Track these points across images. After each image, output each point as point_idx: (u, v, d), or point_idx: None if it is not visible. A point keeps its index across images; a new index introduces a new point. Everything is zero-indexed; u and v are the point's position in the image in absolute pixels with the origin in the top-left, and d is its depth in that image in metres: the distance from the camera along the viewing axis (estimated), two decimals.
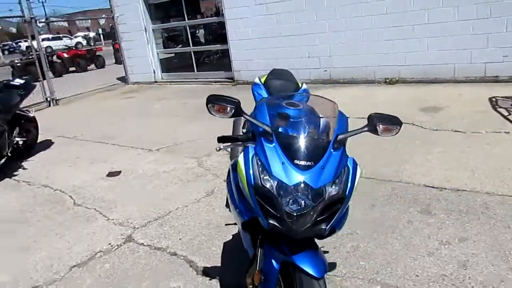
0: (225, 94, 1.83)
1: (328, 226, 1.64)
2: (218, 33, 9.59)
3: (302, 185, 1.59)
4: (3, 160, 5.01)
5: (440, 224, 2.82)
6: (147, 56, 10.04)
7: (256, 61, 8.46)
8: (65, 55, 16.30)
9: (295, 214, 1.57)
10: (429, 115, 5.04)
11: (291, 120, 1.86)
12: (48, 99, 8.93)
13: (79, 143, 5.96)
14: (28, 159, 5.37)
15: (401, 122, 1.82)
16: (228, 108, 1.75)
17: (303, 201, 1.58)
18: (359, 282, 2.36)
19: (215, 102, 1.76)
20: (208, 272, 2.64)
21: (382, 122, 1.78)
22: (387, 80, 7.07)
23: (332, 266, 2.53)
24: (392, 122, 1.79)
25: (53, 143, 6.08)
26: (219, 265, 2.71)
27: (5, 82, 5.34)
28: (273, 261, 1.74)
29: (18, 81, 5.34)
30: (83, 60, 16.36)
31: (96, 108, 8.54)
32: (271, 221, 1.61)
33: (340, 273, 2.46)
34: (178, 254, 2.87)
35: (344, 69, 7.49)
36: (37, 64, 8.66)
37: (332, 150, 1.72)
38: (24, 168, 5.05)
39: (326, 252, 2.65)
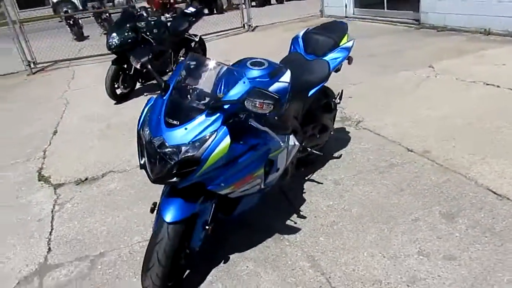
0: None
1: (183, 181, 1.80)
2: None
3: (162, 139, 1.79)
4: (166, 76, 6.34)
5: (446, 234, 2.34)
6: None
7: (447, 2, 7.24)
8: None
9: (149, 162, 1.81)
10: None
11: (197, 80, 1.97)
12: (245, 25, 10.09)
13: None
14: None
15: (276, 102, 1.68)
16: (135, 62, 2.03)
17: (157, 154, 1.78)
18: (298, 253, 2.35)
19: (134, 56, 2.07)
20: None
21: (254, 97, 1.70)
22: None
23: (295, 230, 2.54)
24: (265, 99, 1.69)
25: None
26: None
27: (182, 11, 6.47)
28: (163, 197, 2.03)
29: (190, 10, 6.39)
30: None
31: (275, 37, 9.15)
32: (141, 163, 1.89)
33: (292, 239, 2.47)
34: None
35: None
36: None
37: (205, 115, 1.79)
38: None
39: (304, 217, 2.65)
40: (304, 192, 2.93)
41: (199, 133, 1.77)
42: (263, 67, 2.18)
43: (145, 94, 2.20)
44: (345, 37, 2.90)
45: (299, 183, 3.04)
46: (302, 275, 2.19)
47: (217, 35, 10.02)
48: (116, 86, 5.46)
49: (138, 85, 5.89)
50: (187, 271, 2.29)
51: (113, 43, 5.25)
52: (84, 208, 3.10)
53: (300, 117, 2.71)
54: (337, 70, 3.05)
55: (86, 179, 3.56)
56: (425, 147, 3.32)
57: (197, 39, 6.45)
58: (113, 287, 2.27)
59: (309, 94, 2.67)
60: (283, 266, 2.28)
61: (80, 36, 12.33)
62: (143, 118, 1.94)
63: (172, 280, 2.08)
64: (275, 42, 7.84)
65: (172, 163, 1.75)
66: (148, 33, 5.49)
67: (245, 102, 1.72)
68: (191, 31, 6.52)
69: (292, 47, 2.97)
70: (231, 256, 2.39)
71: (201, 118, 1.80)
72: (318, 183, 3.02)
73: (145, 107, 1.99)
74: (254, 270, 2.27)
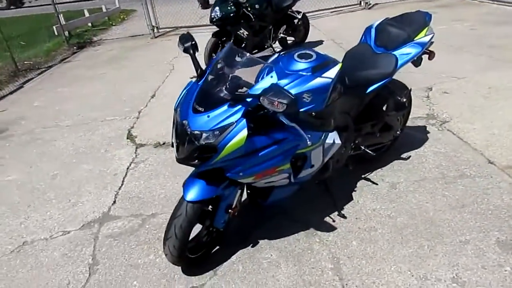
0: None
1: (202, 165, 1.90)
2: None
3: (186, 123, 1.89)
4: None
5: (494, 265, 2.07)
6: None
7: None
8: None
9: (176, 142, 1.94)
10: None
11: (233, 70, 2.01)
12: (362, 2, 9.56)
13: (333, 48, 6.55)
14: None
15: (290, 102, 1.63)
16: (181, 46, 2.13)
17: (184, 136, 1.90)
18: (325, 253, 2.31)
19: (180, 40, 2.16)
20: None
21: (270, 94, 1.67)
22: None
23: (330, 228, 2.49)
24: (279, 97, 1.64)
25: (320, 43, 6.93)
26: None
27: None
28: (189, 176, 2.16)
29: None
30: None
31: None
32: (173, 141, 2.03)
33: (324, 237, 2.43)
34: None
35: None
36: None
37: (227, 106, 1.84)
38: None
39: (344, 217, 2.57)
40: (354, 191, 2.82)
41: (219, 122, 1.83)
42: (309, 59, 2.11)
43: (189, 77, 2.32)
44: (424, 31, 2.61)
45: (353, 180, 2.92)
46: (320, 275, 2.17)
47: (331, 11, 9.73)
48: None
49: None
50: (217, 247, 2.43)
51: (215, 16, 5.49)
52: (153, 169, 3.44)
53: (355, 114, 2.57)
54: (416, 65, 2.79)
55: (164, 143, 3.90)
56: (511, 162, 2.89)
57: (299, 16, 6.35)
58: (152, 247, 2.53)
59: (368, 91, 2.50)
60: (305, 262, 2.27)
61: (205, 4, 12.99)
62: (179, 99, 2.07)
63: (196, 253, 2.25)
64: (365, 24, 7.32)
65: (194, 146, 1.86)
66: (249, 9, 5.60)
67: (260, 98, 1.71)
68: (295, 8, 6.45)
69: (363, 37, 2.79)
70: (261, 242, 2.46)
71: (223, 108, 1.85)
72: (373, 183, 2.87)
73: (184, 89, 2.11)
74: (276, 260, 2.31)
